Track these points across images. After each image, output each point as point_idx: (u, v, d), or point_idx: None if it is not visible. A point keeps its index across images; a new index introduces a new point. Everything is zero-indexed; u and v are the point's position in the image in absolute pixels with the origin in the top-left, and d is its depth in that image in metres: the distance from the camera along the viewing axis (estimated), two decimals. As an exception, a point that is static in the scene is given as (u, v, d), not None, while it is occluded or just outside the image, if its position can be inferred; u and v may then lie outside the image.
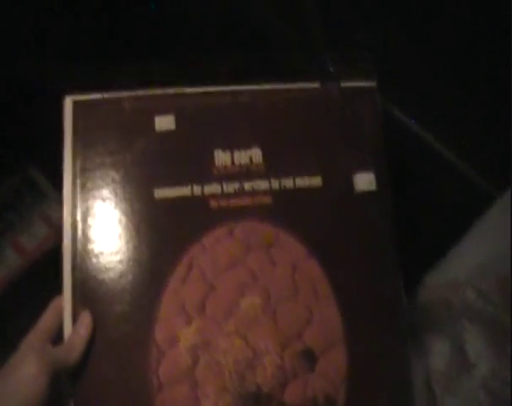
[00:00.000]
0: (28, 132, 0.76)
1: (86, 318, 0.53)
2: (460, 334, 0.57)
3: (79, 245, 0.54)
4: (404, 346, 0.55)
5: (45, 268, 0.79)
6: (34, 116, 0.73)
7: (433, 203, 0.68)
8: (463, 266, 0.59)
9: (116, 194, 0.55)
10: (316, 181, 0.57)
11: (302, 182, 0.57)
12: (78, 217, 0.55)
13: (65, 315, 0.53)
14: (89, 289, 0.53)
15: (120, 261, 0.54)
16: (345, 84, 0.60)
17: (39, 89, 0.72)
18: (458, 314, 0.57)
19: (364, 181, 0.58)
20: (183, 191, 0.56)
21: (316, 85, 0.60)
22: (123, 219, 0.55)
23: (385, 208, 0.58)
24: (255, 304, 0.54)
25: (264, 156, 0.57)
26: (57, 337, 0.53)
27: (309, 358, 0.53)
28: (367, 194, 0.58)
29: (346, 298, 0.55)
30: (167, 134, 0.57)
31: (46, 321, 0.53)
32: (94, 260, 0.54)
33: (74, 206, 0.55)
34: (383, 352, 0.55)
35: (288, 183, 0.57)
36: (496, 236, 0.58)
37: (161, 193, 0.56)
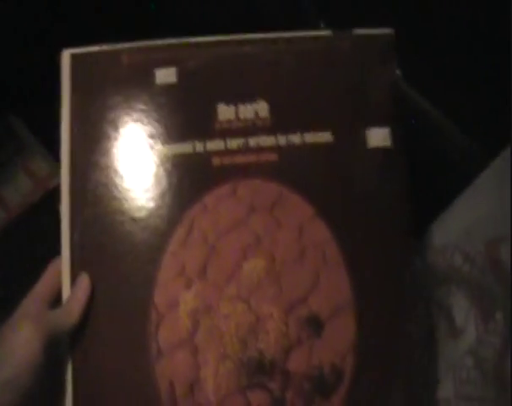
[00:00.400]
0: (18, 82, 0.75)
1: (84, 281, 0.52)
2: (446, 299, 0.56)
3: (78, 207, 0.53)
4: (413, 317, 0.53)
5: (28, 223, 0.77)
6: (28, 67, 0.71)
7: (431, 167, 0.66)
8: (451, 230, 0.58)
9: (115, 152, 0.54)
10: (326, 137, 0.55)
11: (311, 138, 0.54)
12: (77, 176, 0.53)
13: (63, 277, 0.52)
14: (88, 251, 0.53)
15: (119, 222, 0.53)
16: (358, 31, 0.57)
17: (36, 41, 0.71)
18: (445, 278, 0.56)
19: (378, 137, 0.55)
20: (184, 148, 0.54)
21: (327, 32, 0.57)
22: (123, 177, 0.53)
23: (400, 167, 0.55)
24: (259, 268, 0.52)
25: (271, 109, 0.55)
26: (55, 301, 0.52)
27: (315, 324, 0.51)
28: (381, 151, 0.55)
29: (356, 262, 0.53)
30: (168, 88, 0.55)
31: (43, 285, 0.52)
32: (92, 221, 0.53)
33: (73, 164, 0.53)
34: (393, 322, 0.53)
35: (296, 139, 0.54)
36: (484, 200, 0.57)
37: (162, 150, 0.54)
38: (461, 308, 0.55)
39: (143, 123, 0.54)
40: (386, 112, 0.56)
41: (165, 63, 0.55)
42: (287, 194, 0.54)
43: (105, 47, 0.55)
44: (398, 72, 0.56)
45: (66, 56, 0.55)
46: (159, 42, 0.56)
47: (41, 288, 0.52)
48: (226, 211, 0.53)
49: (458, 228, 0.57)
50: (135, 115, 0.54)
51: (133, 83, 0.55)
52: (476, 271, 0.55)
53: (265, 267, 0.52)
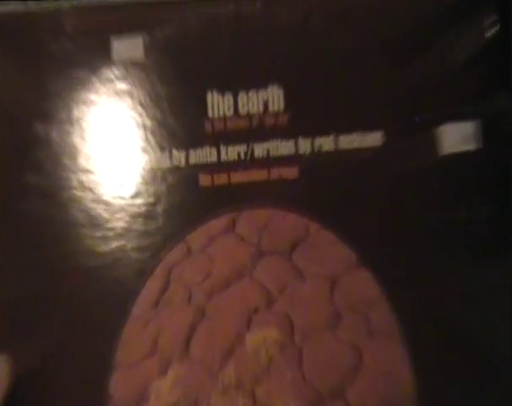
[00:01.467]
0: None
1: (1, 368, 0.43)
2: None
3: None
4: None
5: None
6: None
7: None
8: None
9: (50, 166, 0.44)
10: (373, 139, 0.43)
11: (350, 142, 0.43)
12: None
13: None
14: (10, 323, 0.43)
15: (58, 277, 0.43)
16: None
17: None
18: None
19: (456, 136, 0.42)
20: (157, 161, 0.44)
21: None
22: (65, 208, 0.43)
23: (494, 184, 0.42)
24: (269, 342, 0.41)
25: (288, 99, 0.43)
26: None
27: None
28: (461, 159, 0.42)
29: (419, 332, 0.41)
30: (131, 68, 0.44)
31: None
32: (18, 273, 0.43)
33: None
34: None
35: (326, 144, 0.43)
36: None
37: (121, 165, 0.44)
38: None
39: (92, 124, 0.44)
40: (471, 95, 0.43)
41: (126, 30, 0.44)
42: (314, 230, 0.42)
43: (35, 7, 0.46)
44: (494, 29, 0.43)
45: None
46: (118, -1, 0.46)
47: None
48: (220, 256, 0.43)
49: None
50: (80, 110, 0.44)
51: (78, 61, 0.45)
52: None
53: (279, 341, 0.41)
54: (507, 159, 0.42)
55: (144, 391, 0.41)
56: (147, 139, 0.43)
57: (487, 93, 0.42)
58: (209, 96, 0.43)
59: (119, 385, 0.41)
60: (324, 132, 0.43)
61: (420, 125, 0.42)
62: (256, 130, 0.43)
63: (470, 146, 0.42)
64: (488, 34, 0.42)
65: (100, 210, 0.43)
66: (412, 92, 0.43)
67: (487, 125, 0.42)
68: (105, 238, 0.43)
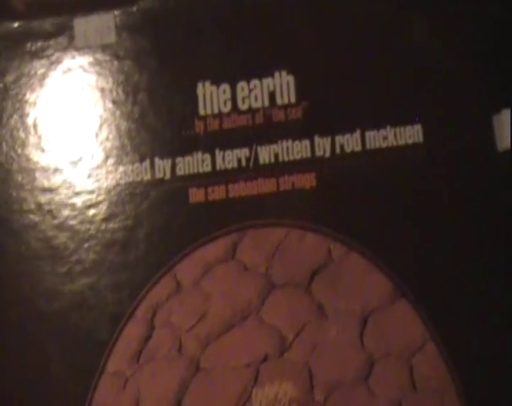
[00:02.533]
0: None
1: None
2: None
3: None
4: None
5: None
6: None
7: None
8: None
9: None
10: (410, 135, 0.37)
11: (381, 139, 0.37)
12: None
13: None
14: None
15: (11, 328, 0.38)
16: None
17: None
18: None
19: None
20: (134, 173, 0.38)
21: None
22: (9, 234, 0.39)
23: None
24: (283, 399, 0.36)
25: (300, 89, 0.38)
26: None
27: None
28: None
29: (478, 384, 0.35)
30: (100, 54, 0.40)
31: None
32: None
33: None
34: None
35: (351, 143, 0.37)
36: None
37: (88, 179, 0.39)
38: None
39: (52, 129, 0.39)
40: None
41: (93, 7, 0.40)
42: (339, 253, 0.37)
43: None
44: None
45: None
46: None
47: None
48: (218, 292, 0.37)
49: None
50: (37, 112, 0.39)
51: (32, 47, 0.40)
52: None
53: (297, 399, 0.35)
54: None
55: None
56: (122, 146, 0.38)
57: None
58: (200, 88, 0.38)
59: None
60: (348, 128, 0.37)
61: (469, 117, 0.36)
62: (261, 129, 0.38)
63: None
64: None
65: (63, 238, 0.38)
66: (459, 71, 0.37)
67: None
68: (70, 274, 0.38)
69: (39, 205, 0.38)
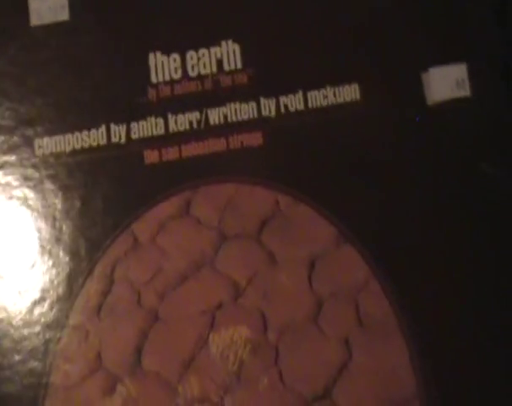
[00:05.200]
0: None
1: None
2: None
3: None
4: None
5: None
6: None
7: None
8: None
9: None
10: (348, 93, 0.43)
11: (321, 98, 0.43)
12: None
13: None
14: None
15: None
16: None
17: None
18: None
19: (446, 80, 0.42)
20: (90, 138, 0.43)
21: None
22: None
23: (495, 135, 0.42)
24: (238, 341, 0.40)
25: (246, 55, 0.44)
26: None
27: None
28: (450, 108, 0.42)
29: (419, 317, 0.40)
30: (55, 31, 0.45)
31: None
32: None
33: None
34: None
35: (294, 103, 0.43)
36: None
37: (49, 146, 0.43)
38: None
39: (9, 100, 0.44)
40: (462, 30, 0.44)
41: None
42: (286, 204, 0.42)
43: None
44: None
45: None
46: None
47: None
48: (173, 246, 0.42)
49: None
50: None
51: None
52: None
53: (251, 340, 0.40)
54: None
55: None
56: (79, 114, 0.43)
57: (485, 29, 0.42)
58: (151, 58, 0.44)
59: None
60: (291, 89, 0.43)
61: (402, 71, 0.42)
62: (210, 94, 0.43)
63: (462, 92, 0.42)
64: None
65: (27, 194, 0.43)
66: (390, 31, 0.43)
67: (482, 67, 0.42)
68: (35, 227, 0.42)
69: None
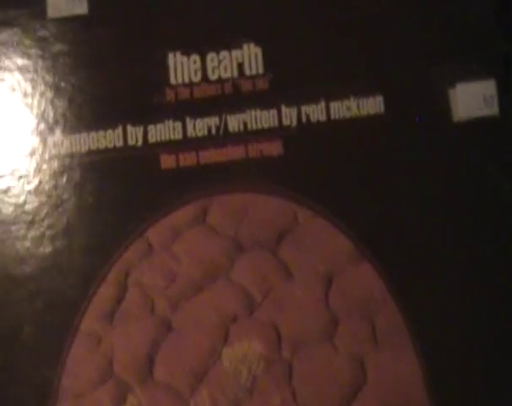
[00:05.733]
0: None
1: None
2: None
3: None
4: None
5: None
6: None
7: None
8: None
9: None
10: (373, 106, 0.43)
11: (344, 109, 0.43)
12: None
13: None
14: None
15: None
16: None
17: None
18: None
19: (474, 98, 0.42)
20: (106, 139, 0.43)
21: None
22: None
23: None
24: (252, 357, 0.41)
25: (267, 59, 0.44)
26: None
27: None
28: (478, 126, 0.42)
29: (433, 337, 0.41)
30: (72, 24, 0.44)
31: None
32: None
33: None
34: None
35: (316, 112, 0.43)
36: None
37: (63, 145, 0.43)
38: None
39: (26, 95, 0.44)
40: (492, 47, 0.44)
41: None
42: (304, 217, 0.42)
43: None
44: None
45: None
46: None
47: None
48: (188, 255, 0.42)
49: None
50: (11, 79, 0.44)
51: (5, 18, 0.45)
52: None
53: (264, 356, 0.41)
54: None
55: None
56: (94, 112, 0.43)
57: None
58: (170, 58, 0.43)
59: None
60: (313, 98, 0.43)
61: (428, 87, 0.42)
62: (230, 99, 0.43)
63: (490, 110, 0.42)
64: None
65: (38, 203, 0.43)
66: (418, 45, 0.43)
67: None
68: (42, 238, 0.42)
69: (12, 171, 0.42)
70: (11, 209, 0.41)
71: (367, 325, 0.41)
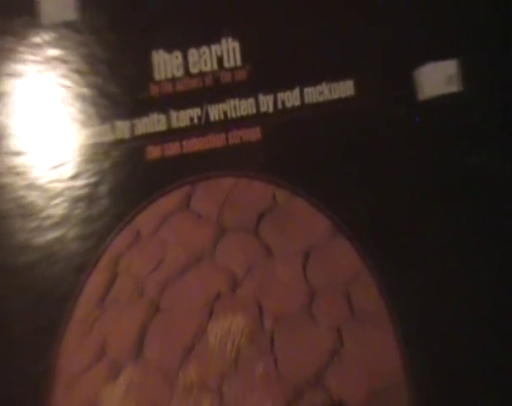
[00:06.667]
0: None
1: None
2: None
3: None
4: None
5: None
6: None
7: None
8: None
9: None
10: (344, 90, 0.46)
11: (317, 94, 0.46)
12: None
13: None
14: None
15: None
16: None
17: None
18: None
19: (436, 77, 0.45)
20: (95, 134, 0.46)
21: None
22: None
23: (483, 129, 0.45)
24: (235, 330, 0.43)
25: (245, 52, 0.46)
26: None
27: None
28: (440, 103, 0.45)
29: (408, 308, 0.43)
30: (63, 30, 0.47)
31: None
32: None
33: None
34: None
35: (291, 99, 0.46)
36: None
37: (55, 143, 0.46)
38: None
39: (21, 98, 0.47)
40: (452, 28, 0.46)
41: None
42: (283, 198, 0.45)
43: None
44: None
45: None
46: None
47: None
48: (174, 239, 0.45)
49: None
50: (6, 84, 0.47)
51: (1, 27, 0.48)
52: None
53: (247, 329, 0.43)
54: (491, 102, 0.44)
55: (93, 401, 0.43)
56: (85, 111, 0.46)
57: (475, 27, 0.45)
58: (154, 56, 0.46)
59: (63, 398, 0.43)
60: (288, 86, 0.45)
61: (394, 69, 0.45)
62: (210, 90, 0.46)
63: (453, 88, 0.44)
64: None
65: (33, 197, 0.45)
66: (384, 31, 0.46)
67: (472, 63, 0.45)
68: (39, 229, 0.45)
69: (10, 168, 0.45)
70: (9, 204, 0.45)
71: (343, 297, 0.43)
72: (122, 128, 0.46)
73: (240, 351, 0.43)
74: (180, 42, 0.47)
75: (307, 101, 0.45)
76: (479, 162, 0.44)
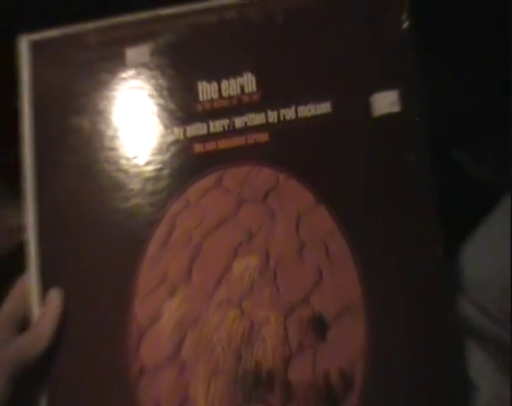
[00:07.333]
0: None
1: (55, 298, 0.53)
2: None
3: (43, 214, 0.55)
4: (440, 321, 0.53)
5: None
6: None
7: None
8: (461, 279, 0.58)
9: (83, 147, 0.56)
10: (324, 108, 0.55)
11: (307, 111, 0.55)
12: (41, 179, 0.56)
13: (31, 296, 0.54)
14: (58, 264, 0.55)
15: (91, 228, 0.55)
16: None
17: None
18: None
19: (384, 102, 0.55)
20: (162, 136, 0.56)
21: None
22: (92, 177, 0.56)
23: (415, 136, 0.55)
24: (251, 267, 0.53)
25: (258, 82, 0.56)
26: (23, 326, 0.53)
27: (319, 325, 0.52)
28: (388, 119, 0.55)
29: (366, 255, 0.53)
30: (141, 69, 0.57)
31: (9, 307, 0.53)
32: (60, 229, 0.55)
33: (36, 167, 0.56)
34: (408, 322, 0.53)
35: (289, 114, 0.55)
36: (499, 243, 0.55)
37: (136, 140, 0.56)
38: (476, 362, 0.55)
39: (113, 113, 0.57)
40: (394, 71, 0.55)
41: (136, 41, 0.57)
42: (283, 180, 0.54)
43: (67, 30, 0.57)
44: (407, 22, 0.56)
45: (24, 43, 0.57)
46: (127, 18, 0.57)
47: (8, 309, 0.53)
48: (211, 205, 0.55)
49: (469, 276, 0.58)
50: (105, 103, 0.56)
51: (101, 66, 0.57)
52: (489, 323, 0.55)
53: (259, 266, 0.53)
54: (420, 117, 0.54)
55: (158, 310, 0.53)
56: (154, 121, 0.55)
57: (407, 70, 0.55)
58: (199, 84, 0.56)
59: (140, 307, 0.53)
60: (287, 105, 0.55)
61: (358, 94, 0.54)
62: (235, 108, 0.55)
63: (395, 109, 0.54)
64: (404, 26, 0.55)
65: (121, 177, 0.55)
66: (352, 71, 0.55)
67: (407, 93, 0.54)
68: (125, 198, 0.54)
69: (106, 158, 0.55)
70: (107, 182, 0.54)
71: (323, 247, 0.53)
72: (178, 132, 0.55)
73: (254, 281, 0.53)
74: (216, 76, 0.56)
75: (300, 115, 0.55)
76: (413, 160, 0.54)
